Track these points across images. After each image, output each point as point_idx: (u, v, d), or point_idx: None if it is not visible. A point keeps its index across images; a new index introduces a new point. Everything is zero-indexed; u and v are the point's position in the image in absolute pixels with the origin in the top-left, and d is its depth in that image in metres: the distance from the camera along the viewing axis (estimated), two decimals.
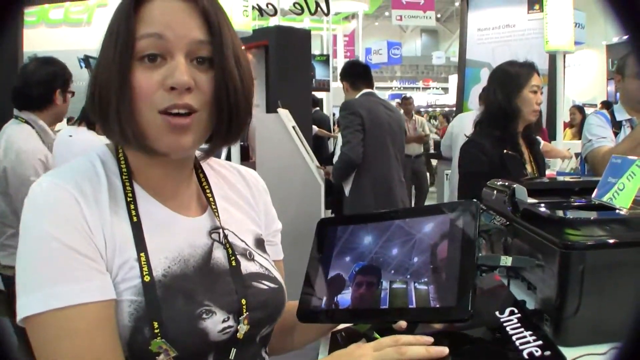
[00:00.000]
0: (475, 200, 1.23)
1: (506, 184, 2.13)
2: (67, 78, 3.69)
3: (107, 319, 1.11)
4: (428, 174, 11.37)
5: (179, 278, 1.20)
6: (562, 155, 6.10)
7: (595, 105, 18.48)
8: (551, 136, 8.44)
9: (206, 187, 1.40)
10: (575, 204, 2.00)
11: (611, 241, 1.58)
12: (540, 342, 1.18)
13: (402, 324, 1.18)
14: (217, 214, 1.35)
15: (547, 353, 1.15)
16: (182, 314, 1.16)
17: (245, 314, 1.25)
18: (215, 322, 1.20)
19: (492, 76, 3.77)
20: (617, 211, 1.79)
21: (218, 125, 1.24)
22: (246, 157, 7.88)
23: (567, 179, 2.41)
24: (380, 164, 5.14)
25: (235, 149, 5.54)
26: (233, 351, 1.24)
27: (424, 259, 1.19)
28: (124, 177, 1.24)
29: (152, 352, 1.10)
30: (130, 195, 1.22)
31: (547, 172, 6.11)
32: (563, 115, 8.88)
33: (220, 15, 1.23)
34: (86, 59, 13.68)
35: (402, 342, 1.11)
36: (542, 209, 1.81)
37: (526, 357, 1.15)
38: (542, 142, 5.91)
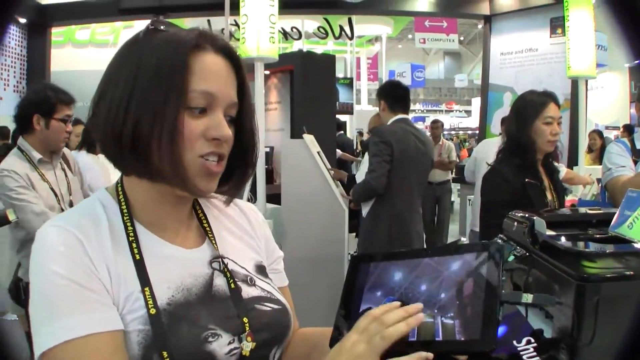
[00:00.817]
0: (500, 242, 1.31)
1: (526, 215, 2.20)
2: (48, 105, 3.70)
3: (116, 348, 1.17)
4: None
5: (183, 306, 1.26)
6: (585, 182, 6.12)
7: (618, 128, 18.41)
8: (573, 162, 8.47)
9: (203, 219, 1.48)
10: (593, 236, 2.07)
11: (626, 273, 1.66)
12: None
13: (429, 356, 1.26)
14: (214, 244, 1.43)
15: None
16: (188, 339, 1.22)
17: (247, 331, 1.31)
18: (222, 345, 1.26)
19: (513, 105, 3.81)
20: (632, 244, 1.87)
21: (239, 170, 1.39)
22: (270, 180, 7.97)
23: (586, 210, 2.46)
24: (400, 196, 5.12)
25: (261, 173, 5.60)
26: None
27: (450, 295, 1.26)
28: (125, 217, 1.31)
29: None
30: (132, 234, 1.30)
31: (570, 197, 6.16)
32: (585, 140, 8.92)
33: (246, 76, 1.37)
34: None
35: (378, 314, 1.19)
36: (560, 242, 1.89)
37: None
38: (565, 170, 5.96)
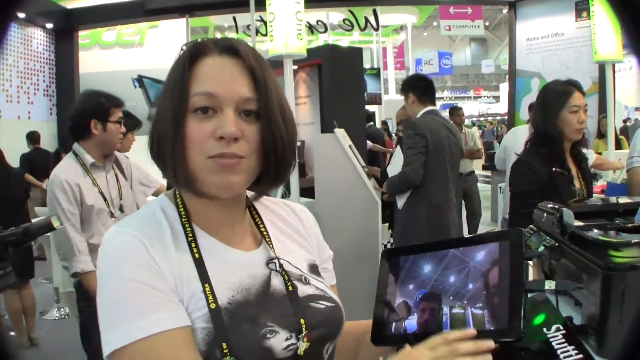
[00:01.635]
0: (520, 228, 1.39)
1: (556, 207, 2.28)
2: (102, 109, 3.83)
3: (186, 342, 1.23)
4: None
5: (243, 305, 1.31)
6: (614, 167, 6.14)
7: None
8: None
9: (259, 222, 1.54)
10: (619, 225, 2.15)
11: None
12: (581, 356, 1.34)
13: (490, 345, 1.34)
14: (271, 246, 1.49)
15: None
16: (248, 335, 1.28)
17: (304, 332, 1.36)
18: (279, 341, 1.30)
19: (538, 95, 3.83)
20: None
21: (266, 171, 1.39)
22: (302, 174, 8.05)
23: (616, 200, 2.52)
24: (437, 187, 5.19)
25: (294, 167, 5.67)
26: None
27: (478, 286, 1.34)
28: (183, 220, 1.39)
29: None
30: (190, 235, 1.36)
31: (600, 182, 6.20)
32: (615, 124, 8.88)
33: (265, 70, 1.38)
34: (140, 79, 14.00)
35: (452, 339, 1.24)
36: (587, 232, 1.97)
37: None
38: (595, 155, 5.98)
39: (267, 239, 1.50)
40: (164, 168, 1.34)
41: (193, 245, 1.35)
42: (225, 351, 1.23)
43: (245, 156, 1.31)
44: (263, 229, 1.52)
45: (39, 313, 7.07)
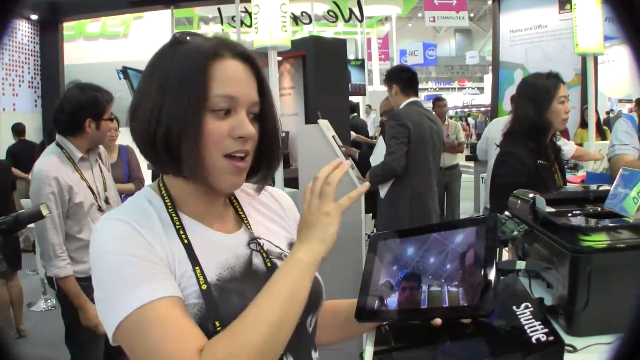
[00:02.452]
0: (495, 214, 1.49)
1: (529, 194, 2.36)
2: (99, 108, 3.75)
3: (182, 308, 1.30)
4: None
5: (230, 281, 1.41)
6: (594, 158, 6.21)
7: (631, 101, 18.30)
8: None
9: (238, 207, 1.64)
10: (589, 212, 2.24)
11: (616, 246, 1.83)
12: (546, 330, 1.42)
13: (438, 320, 1.43)
14: (249, 227, 1.59)
15: (551, 338, 1.40)
16: (238, 307, 1.33)
17: None
18: None
19: (520, 90, 3.87)
20: (624, 218, 2.04)
21: (266, 162, 1.54)
22: (287, 165, 8.12)
23: (582, 188, 2.61)
24: (419, 176, 5.27)
25: None
26: None
27: (455, 266, 1.44)
28: (169, 209, 1.47)
29: None
30: (178, 223, 1.44)
31: (580, 172, 6.28)
32: (596, 115, 8.96)
33: (264, 75, 1.51)
34: (124, 71, 13.96)
35: (322, 176, 1.46)
36: (558, 218, 2.05)
37: (534, 341, 1.40)
38: (575, 147, 6.06)
39: (246, 221, 1.59)
40: (175, 162, 1.39)
41: (181, 232, 1.42)
42: (218, 329, 1.31)
43: (251, 153, 1.45)
44: (241, 212, 1.61)
45: (26, 305, 7.08)
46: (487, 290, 1.34)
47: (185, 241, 1.41)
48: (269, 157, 1.53)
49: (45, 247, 3.61)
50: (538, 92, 3.69)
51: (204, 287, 1.36)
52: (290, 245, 1.65)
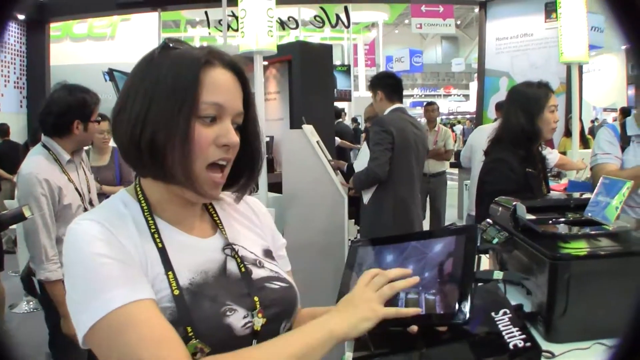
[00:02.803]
0: (474, 224, 1.50)
1: (511, 201, 2.38)
2: (87, 110, 3.72)
3: (158, 311, 1.29)
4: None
5: (202, 286, 1.40)
6: (577, 167, 6.26)
7: (616, 110, 18.43)
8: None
9: (213, 213, 1.65)
10: (569, 219, 2.25)
11: (594, 253, 1.85)
12: (523, 336, 1.43)
13: (414, 328, 1.44)
14: (224, 232, 1.60)
15: (528, 344, 1.41)
16: (210, 313, 1.37)
17: (258, 308, 1.46)
18: (238, 318, 1.40)
19: (511, 98, 3.88)
20: (603, 226, 2.05)
21: (247, 173, 1.56)
22: (271, 169, 8.11)
23: (564, 196, 2.63)
24: (403, 182, 5.28)
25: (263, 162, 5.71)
26: (254, 342, 1.43)
27: (433, 274, 1.44)
28: (145, 213, 1.47)
29: (189, 352, 1.30)
30: (153, 227, 1.44)
31: (563, 181, 6.31)
32: (581, 124, 9.00)
33: (250, 86, 1.53)
34: (110, 73, 13.89)
35: (378, 270, 1.43)
36: (538, 225, 2.07)
37: (512, 347, 1.41)
38: (559, 156, 6.09)
39: (221, 227, 1.60)
40: (157, 166, 1.39)
41: (156, 236, 1.43)
42: (190, 334, 1.31)
43: (230, 163, 1.46)
44: (216, 217, 1.63)
45: (8, 306, 7.05)
46: (464, 299, 1.35)
47: (160, 245, 1.42)
48: (250, 167, 1.56)
49: (37, 250, 3.56)
50: (530, 100, 3.70)
51: (176, 292, 1.36)
52: (265, 251, 1.67)
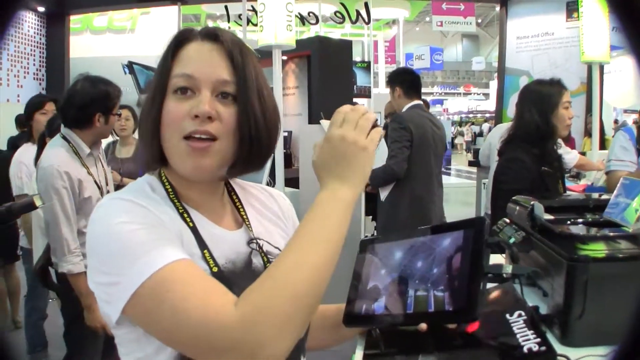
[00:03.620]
0: (482, 217, 1.46)
1: (529, 200, 2.34)
2: (110, 102, 3.74)
3: (198, 268, 1.26)
4: None
5: (232, 273, 1.38)
6: (597, 168, 6.20)
7: (637, 112, 18.25)
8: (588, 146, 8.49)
9: (239, 205, 1.59)
10: (587, 220, 2.21)
11: (613, 255, 1.80)
12: (538, 340, 1.40)
13: (423, 326, 1.41)
14: (250, 228, 1.55)
15: (543, 348, 1.37)
16: None
17: None
18: None
19: (524, 96, 3.85)
20: (623, 228, 2.01)
21: (239, 154, 1.42)
22: (289, 164, 8.09)
23: (583, 196, 2.59)
24: (420, 180, 5.25)
25: (279, 157, 5.71)
26: None
27: (441, 270, 1.42)
28: (171, 195, 1.43)
29: None
30: (181, 208, 1.40)
31: (583, 181, 6.26)
32: (602, 125, 8.93)
33: (244, 56, 1.43)
34: (130, 65, 13.93)
35: (362, 109, 1.39)
36: (556, 225, 2.03)
37: (525, 351, 1.38)
38: (578, 156, 6.04)
39: (247, 221, 1.55)
40: (145, 147, 1.40)
41: (185, 215, 1.39)
42: None
43: (219, 137, 1.36)
44: (242, 212, 1.57)
45: (23, 296, 7.06)
46: (474, 295, 1.32)
47: (191, 225, 1.38)
48: (250, 144, 1.40)
49: (59, 242, 3.56)
50: (543, 97, 3.69)
51: (215, 269, 1.33)
52: None
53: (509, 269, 1.39)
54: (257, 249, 1.50)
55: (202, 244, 1.36)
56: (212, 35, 1.42)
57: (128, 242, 1.23)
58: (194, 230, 1.37)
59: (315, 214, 1.31)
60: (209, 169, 1.38)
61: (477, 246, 1.38)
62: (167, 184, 1.44)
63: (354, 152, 1.34)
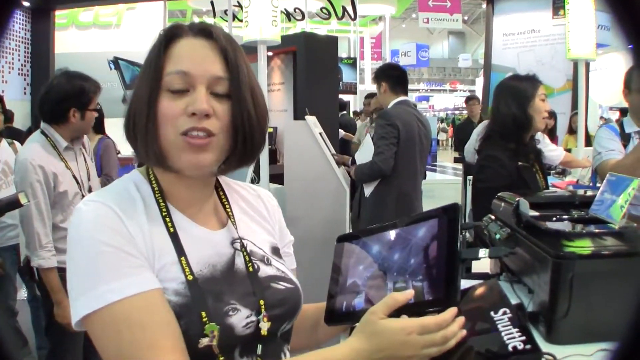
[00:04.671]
0: (456, 203, 1.44)
1: (514, 197, 2.32)
2: (85, 98, 3.71)
3: (161, 303, 1.26)
4: None
5: (209, 280, 1.36)
6: (583, 165, 6.21)
7: (619, 110, 18.34)
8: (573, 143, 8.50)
9: (226, 203, 1.59)
10: (573, 217, 2.20)
11: (599, 252, 1.79)
12: (523, 338, 1.38)
13: (404, 317, 1.39)
14: (235, 226, 1.54)
15: (528, 347, 1.36)
16: (212, 311, 1.32)
17: (263, 313, 1.42)
18: (240, 318, 1.36)
19: (500, 91, 3.87)
20: (609, 225, 1.99)
21: (234, 149, 1.43)
22: (274, 161, 8.06)
23: (568, 193, 2.58)
24: (407, 178, 5.25)
25: (264, 153, 5.68)
26: (259, 347, 1.41)
27: (419, 260, 1.40)
28: (157, 195, 1.42)
29: (207, 332, 1.28)
30: (164, 210, 1.39)
31: (568, 178, 6.27)
32: (587, 122, 8.94)
33: (237, 52, 1.44)
34: (115, 61, 13.87)
35: (449, 332, 1.27)
36: (541, 222, 2.01)
37: (510, 349, 1.36)
38: (564, 153, 6.05)
39: (232, 220, 1.54)
40: (136, 146, 1.38)
41: (167, 219, 1.39)
42: (204, 319, 1.28)
43: (216, 133, 1.36)
44: (229, 210, 1.57)
45: None
46: (452, 282, 1.30)
47: (172, 230, 1.38)
48: (244, 139, 1.42)
49: (31, 236, 3.56)
50: (519, 90, 3.72)
51: (190, 277, 1.33)
52: (273, 248, 1.62)
53: (485, 253, 1.37)
54: (241, 249, 1.49)
55: (180, 251, 1.36)
56: (206, 32, 1.41)
57: (93, 263, 1.26)
58: (174, 237, 1.37)
59: (322, 354, 1.31)
60: (208, 164, 1.38)
61: (452, 232, 1.36)
62: (154, 182, 1.43)
63: (402, 351, 1.27)
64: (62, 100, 3.65)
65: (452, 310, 1.29)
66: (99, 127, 5.31)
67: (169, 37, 1.40)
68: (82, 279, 1.26)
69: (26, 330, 5.81)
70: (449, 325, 1.28)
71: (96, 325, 1.25)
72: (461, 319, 1.29)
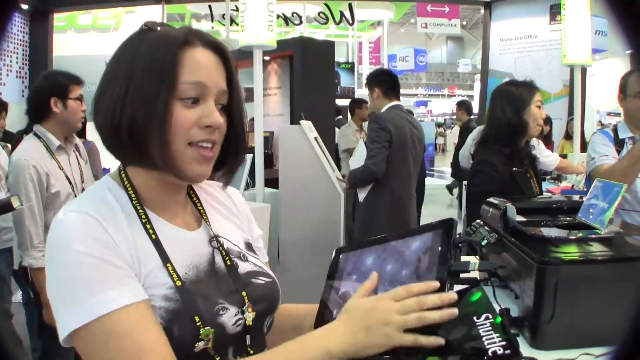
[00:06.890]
0: (452, 218, 1.46)
1: (504, 202, 2.33)
2: (62, 87, 3.74)
3: (149, 315, 1.26)
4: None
5: (195, 283, 1.37)
6: (577, 171, 6.22)
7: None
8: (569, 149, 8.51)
9: (198, 203, 1.60)
10: (560, 222, 2.20)
11: (584, 258, 1.79)
12: (504, 343, 1.39)
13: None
14: (209, 225, 1.56)
15: (508, 352, 1.36)
16: (204, 312, 1.33)
17: (247, 304, 1.44)
18: (230, 317, 1.38)
19: (496, 96, 3.89)
20: (595, 230, 2.00)
21: (232, 156, 1.50)
22: (270, 165, 8.06)
23: (555, 198, 2.59)
24: (399, 181, 5.26)
25: (259, 158, 5.68)
26: (247, 337, 1.43)
27: (410, 271, 1.41)
28: (134, 202, 1.42)
29: (202, 337, 1.30)
30: (144, 217, 1.39)
31: (563, 183, 6.27)
32: (583, 127, 8.95)
33: (235, 67, 1.48)
34: None
35: (416, 291, 1.27)
36: (528, 227, 2.02)
37: (490, 354, 1.36)
38: (559, 159, 6.06)
39: (205, 218, 1.56)
40: (138, 151, 1.35)
41: (148, 226, 1.38)
42: (198, 324, 1.29)
43: (217, 144, 1.41)
44: (201, 209, 1.58)
45: None
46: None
47: (154, 237, 1.37)
48: (235, 150, 1.50)
49: (22, 236, 3.57)
50: (515, 96, 3.73)
51: (179, 283, 1.33)
52: (246, 244, 1.65)
53: (475, 266, 1.38)
54: (218, 247, 1.51)
55: (164, 257, 1.36)
56: (214, 45, 1.43)
57: (79, 276, 1.25)
58: (156, 243, 1.37)
59: (293, 344, 1.30)
60: (209, 173, 1.43)
61: (445, 246, 1.37)
62: (129, 188, 1.43)
63: (378, 328, 1.26)
64: (41, 93, 3.72)
65: (431, 283, 1.30)
66: (81, 131, 5.31)
67: (181, 43, 1.37)
68: (66, 294, 1.25)
69: (21, 332, 5.81)
70: (428, 295, 1.27)
71: (84, 340, 1.24)
72: (447, 294, 1.29)
